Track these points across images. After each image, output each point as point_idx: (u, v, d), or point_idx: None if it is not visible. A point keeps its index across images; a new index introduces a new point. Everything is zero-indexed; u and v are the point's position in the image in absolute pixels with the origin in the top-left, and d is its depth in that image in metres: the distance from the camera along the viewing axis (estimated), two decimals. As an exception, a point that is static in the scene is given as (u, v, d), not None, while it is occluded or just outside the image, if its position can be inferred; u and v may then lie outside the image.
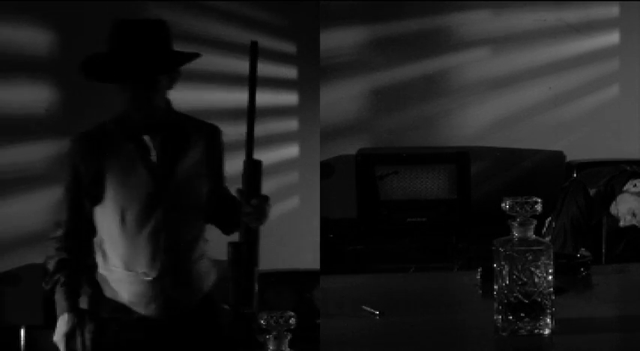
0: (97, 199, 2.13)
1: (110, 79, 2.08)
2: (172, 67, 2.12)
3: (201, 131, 2.22)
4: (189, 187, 2.16)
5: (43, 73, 3.91)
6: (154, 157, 2.14)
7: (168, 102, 2.21)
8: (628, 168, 2.89)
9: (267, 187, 2.21)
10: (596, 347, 1.62)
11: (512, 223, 1.65)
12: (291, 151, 4.12)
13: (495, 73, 4.43)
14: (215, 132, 2.28)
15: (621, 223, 2.79)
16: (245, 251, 1.98)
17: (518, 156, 4.43)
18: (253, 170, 1.98)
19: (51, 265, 2.11)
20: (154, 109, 2.13)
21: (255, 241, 2.01)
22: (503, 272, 1.62)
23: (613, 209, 2.82)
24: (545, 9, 4.38)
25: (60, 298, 2.07)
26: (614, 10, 4.45)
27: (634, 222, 2.75)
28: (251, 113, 1.91)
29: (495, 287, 1.64)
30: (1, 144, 3.85)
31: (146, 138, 2.14)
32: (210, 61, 3.78)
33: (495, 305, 1.64)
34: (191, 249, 2.17)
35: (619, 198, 2.79)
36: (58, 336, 2.03)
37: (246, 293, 1.98)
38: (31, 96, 3.93)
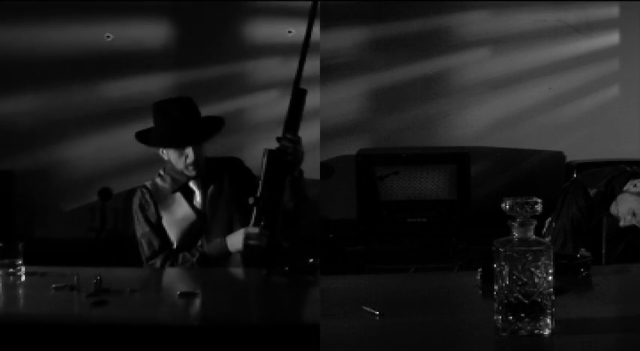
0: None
1: (179, 145, 2.75)
2: (217, 131, 2.81)
3: (223, 168, 2.88)
4: (223, 212, 2.79)
5: (161, 12, 4.47)
6: (197, 197, 2.83)
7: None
8: (628, 168, 2.89)
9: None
10: (596, 348, 1.62)
11: (512, 223, 1.65)
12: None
13: (495, 74, 4.47)
14: (234, 164, 2.94)
15: (621, 223, 2.79)
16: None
17: (518, 156, 4.47)
18: (297, 99, 2.51)
19: (181, 258, 2.76)
20: (203, 162, 2.80)
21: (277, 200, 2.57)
22: (504, 272, 1.62)
23: (613, 209, 2.82)
24: (544, 9, 4.43)
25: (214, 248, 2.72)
26: (613, 10, 4.50)
27: (634, 222, 2.75)
28: (305, 47, 2.47)
29: (495, 287, 1.64)
30: (124, 76, 4.47)
31: (191, 184, 2.83)
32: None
33: (495, 306, 1.65)
34: None
35: (619, 198, 2.80)
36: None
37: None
38: (150, 33, 4.50)
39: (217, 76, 4.57)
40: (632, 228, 2.77)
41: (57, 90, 4.50)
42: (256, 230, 2.62)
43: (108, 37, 4.47)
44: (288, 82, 4.07)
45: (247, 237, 2.63)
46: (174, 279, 2.66)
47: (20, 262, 2.42)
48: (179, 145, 2.80)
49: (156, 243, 2.84)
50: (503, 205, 1.66)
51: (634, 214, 2.74)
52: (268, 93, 4.53)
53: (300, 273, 2.40)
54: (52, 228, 4.47)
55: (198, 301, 2.18)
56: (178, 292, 2.21)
